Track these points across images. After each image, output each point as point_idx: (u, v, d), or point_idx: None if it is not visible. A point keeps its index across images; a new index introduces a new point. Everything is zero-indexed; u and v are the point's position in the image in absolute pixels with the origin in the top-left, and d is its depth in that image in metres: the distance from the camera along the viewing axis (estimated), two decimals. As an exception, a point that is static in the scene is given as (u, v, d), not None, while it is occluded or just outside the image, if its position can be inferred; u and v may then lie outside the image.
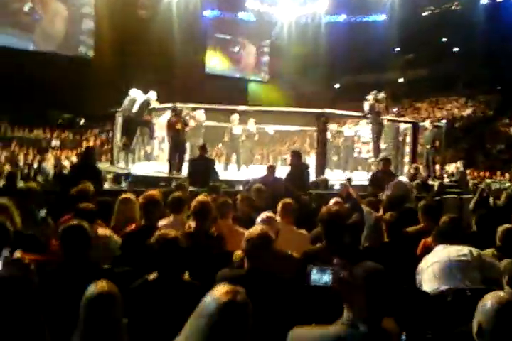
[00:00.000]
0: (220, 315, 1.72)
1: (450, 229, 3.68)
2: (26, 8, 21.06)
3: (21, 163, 11.55)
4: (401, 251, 3.97)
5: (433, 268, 3.34)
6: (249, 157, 13.00)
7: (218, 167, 9.77)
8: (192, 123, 11.37)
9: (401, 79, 28.27)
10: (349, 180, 8.02)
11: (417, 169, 10.46)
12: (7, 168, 9.83)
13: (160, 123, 11.54)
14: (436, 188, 8.85)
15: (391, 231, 4.29)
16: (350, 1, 21.64)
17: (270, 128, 12.60)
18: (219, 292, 1.79)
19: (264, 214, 3.87)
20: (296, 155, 8.39)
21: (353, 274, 2.07)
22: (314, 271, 2.38)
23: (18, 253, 2.59)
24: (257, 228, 2.90)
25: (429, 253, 3.56)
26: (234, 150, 12.26)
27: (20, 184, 5.74)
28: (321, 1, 21.97)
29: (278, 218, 4.09)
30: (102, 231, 3.79)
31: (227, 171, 11.49)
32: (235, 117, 12.01)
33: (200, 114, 11.88)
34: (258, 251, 2.74)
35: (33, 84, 19.10)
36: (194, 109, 11.75)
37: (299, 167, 8.15)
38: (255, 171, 11.37)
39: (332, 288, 2.32)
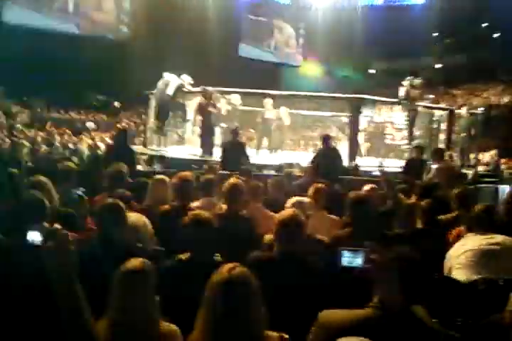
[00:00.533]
0: (220, 291, 1.90)
1: (483, 218, 3.62)
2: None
3: (57, 144, 11.78)
4: (434, 239, 3.93)
5: (465, 256, 3.30)
6: (280, 142, 12.97)
7: (249, 151, 9.80)
8: (228, 106, 11.43)
9: (438, 65, 27.63)
10: (380, 166, 7.93)
11: (451, 157, 10.28)
12: (44, 148, 10.04)
13: (192, 106, 11.61)
14: (470, 177, 8.69)
15: (425, 219, 4.24)
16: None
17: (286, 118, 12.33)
18: (221, 269, 1.97)
19: (294, 199, 3.89)
20: (327, 140, 8.04)
21: (385, 256, 2.07)
22: (346, 254, 2.41)
23: (57, 225, 2.66)
24: (288, 211, 2.91)
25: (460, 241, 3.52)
26: (266, 134, 12.24)
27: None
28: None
29: (309, 202, 4.10)
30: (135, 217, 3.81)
31: (258, 155, 11.50)
32: (268, 101, 11.97)
33: (235, 98, 11.89)
34: (288, 234, 2.75)
35: (67, 65, 19.36)
36: (226, 92, 11.77)
37: (330, 152, 7.93)
38: (286, 156, 11.39)
39: (363, 270, 2.34)
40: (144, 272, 2.17)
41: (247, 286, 1.93)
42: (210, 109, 9.80)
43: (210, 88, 10.29)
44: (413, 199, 4.85)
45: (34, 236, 2.54)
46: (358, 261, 2.38)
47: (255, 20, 26.93)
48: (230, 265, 2.01)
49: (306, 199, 3.99)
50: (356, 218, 3.59)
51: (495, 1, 21.18)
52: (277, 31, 28.13)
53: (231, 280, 1.92)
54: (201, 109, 9.93)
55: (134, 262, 2.21)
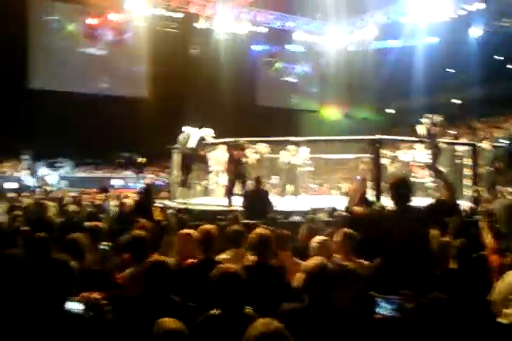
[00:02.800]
0: None
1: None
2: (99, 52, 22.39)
3: (85, 203, 11.96)
4: (471, 278, 3.82)
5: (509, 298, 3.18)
6: (305, 187, 12.98)
7: (275, 198, 9.80)
8: (255, 156, 11.61)
9: (455, 101, 27.69)
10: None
11: (478, 192, 10.10)
12: (72, 207, 10.16)
13: (214, 158, 11.76)
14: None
15: (459, 258, 4.12)
16: (398, 26, 21.59)
17: (299, 159, 12.42)
18: (255, 324, 1.93)
19: (316, 239, 3.87)
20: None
21: (419, 306, 2.02)
22: (381, 302, 2.36)
23: (95, 294, 2.68)
24: (314, 260, 2.88)
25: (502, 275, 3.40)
26: (291, 180, 12.27)
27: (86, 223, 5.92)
28: (368, 28, 22.03)
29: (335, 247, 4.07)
30: None
31: (283, 202, 11.48)
32: (292, 148, 12.10)
33: (262, 147, 12.05)
34: (316, 284, 2.71)
35: (92, 125, 19.96)
36: (251, 142, 11.94)
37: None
38: (310, 201, 11.35)
39: (397, 318, 2.28)
40: (179, 332, 2.17)
41: None
42: (243, 159, 9.99)
43: (241, 139, 10.48)
44: (447, 238, 4.75)
45: (74, 306, 2.56)
46: (392, 309, 2.33)
47: (270, 68, 27.62)
48: (264, 320, 1.98)
49: (328, 240, 3.97)
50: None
51: (505, 34, 21.35)
52: (293, 77, 28.73)
53: (266, 337, 1.88)
54: (235, 160, 10.08)
55: (170, 323, 2.21)
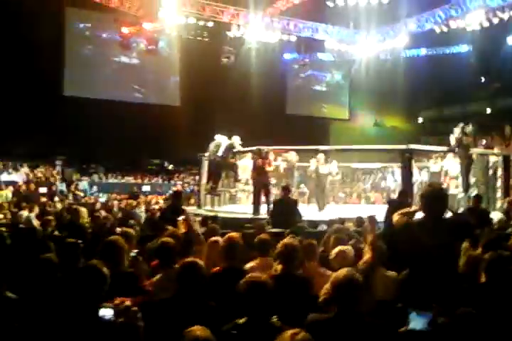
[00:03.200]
0: None
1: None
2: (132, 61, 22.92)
3: (115, 209, 12.18)
4: (501, 293, 3.76)
5: None
6: (334, 196, 12.94)
7: (303, 207, 9.79)
8: (284, 165, 11.66)
9: (488, 110, 27.23)
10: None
11: (510, 203, 9.91)
12: (102, 213, 10.36)
13: (242, 166, 11.83)
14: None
15: (490, 271, 4.06)
16: (430, 34, 21.37)
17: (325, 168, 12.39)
18: (283, 334, 1.99)
19: (336, 250, 3.88)
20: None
21: (451, 320, 2.02)
22: (413, 315, 2.36)
23: (127, 302, 2.75)
24: (343, 271, 2.89)
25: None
26: (320, 189, 12.24)
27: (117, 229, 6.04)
28: (400, 37, 21.86)
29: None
30: None
31: (313, 211, 11.50)
32: (321, 156, 12.06)
33: (292, 156, 12.07)
34: (345, 295, 2.72)
35: (124, 132, 20.31)
36: (280, 150, 12.01)
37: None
38: (338, 210, 11.31)
39: (429, 333, 2.28)
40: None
41: None
42: (267, 167, 10.01)
43: (264, 147, 10.51)
44: (479, 250, 4.69)
45: (106, 313, 2.64)
46: (424, 323, 2.32)
47: (301, 77, 27.68)
48: (292, 331, 2.01)
49: (349, 248, 3.98)
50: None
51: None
52: (323, 86, 28.73)
53: None
54: (258, 168, 10.11)
55: (199, 331, 2.27)
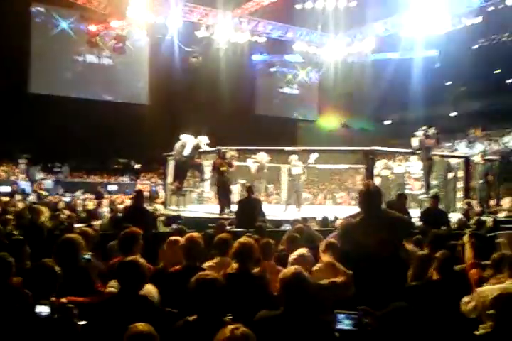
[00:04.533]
0: None
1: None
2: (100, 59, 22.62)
3: (79, 208, 12.03)
4: (452, 290, 3.88)
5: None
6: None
7: (270, 207, 9.82)
8: (255, 165, 11.73)
9: (453, 113, 27.82)
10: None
11: (469, 205, 10.18)
12: (66, 212, 10.22)
13: (210, 166, 11.85)
14: (490, 224, 8.56)
15: (442, 270, 4.18)
16: (397, 38, 21.74)
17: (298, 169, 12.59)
18: (223, 330, 2.06)
19: (296, 253, 3.93)
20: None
21: (377, 320, 2.09)
22: (340, 317, 2.50)
23: (63, 299, 2.75)
24: (290, 269, 2.93)
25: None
26: (294, 190, 12.38)
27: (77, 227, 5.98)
28: (367, 40, 22.16)
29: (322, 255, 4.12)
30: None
31: (286, 211, 11.64)
32: (294, 157, 12.21)
33: (262, 156, 12.13)
34: (292, 292, 2.77)
35: (91, 131, 20.06)
36: (249, 151, 12.10)
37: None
38: (305, 210, 11.42)
39: (355, 333, 2.39)
40: (148, 336, 2.22)
41: None
42: (223, 168, 10.05)
43: (224, 147, 10.56)
44: (426, 249, 4.82)
45: (42, 310, 2.66)
46: (351, 323, 2.48)
47: (269, 78, 27.82)
48: (232, 326, 2.05)
49: (307, 253, 4.04)
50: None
51: (504, 48, 21.52)
52: (291, 87, 28.93)
53: None
54: (215, 168, 10.20)
55: (141, 326, 2.28)
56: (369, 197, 3.74)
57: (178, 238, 4.74)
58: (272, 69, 27.38)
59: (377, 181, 12.64)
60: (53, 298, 2.64)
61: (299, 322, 2.69)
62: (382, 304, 2.80)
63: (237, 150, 10.86)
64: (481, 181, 11.54)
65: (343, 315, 2.57)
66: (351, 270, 3.57)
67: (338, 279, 3.60)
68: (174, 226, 8.18)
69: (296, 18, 21.59)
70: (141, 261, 3.19)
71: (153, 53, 22.66)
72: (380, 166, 13.28)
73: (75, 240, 4.01)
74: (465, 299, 3.49)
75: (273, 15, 21.09)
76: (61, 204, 11.76)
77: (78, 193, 17.14)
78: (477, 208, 10.76)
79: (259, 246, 4.33)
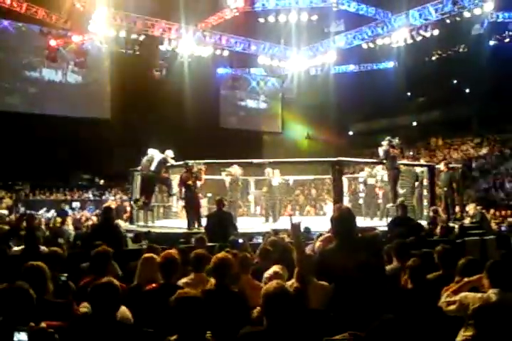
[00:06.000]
0: None
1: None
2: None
3: (42, 226, 11.69)
4: (424, 299, 3.89)
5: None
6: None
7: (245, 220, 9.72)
8: (227, 178, 11.72)
9: (414, 123, 28.46)
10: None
11: (436, 212, 10.36)
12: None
13: (176, 180, 11.73)
14: (457, 230, 8.73)
15: (415, 278, 4.20)
16: (357, 50, 22.17)
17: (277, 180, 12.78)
18: None
19: (270, 270, 3.91)
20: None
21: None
22: None
23: (42, 324, 2.63)
24: (273, 284, 2.89)
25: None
26: (273, 202, 12.50)
27: (43, 248, 5.79)
28: (329, 53, 22.52)
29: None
30: None
31: (267, 223, 11.75)
32: (269, 170, 12.30)
33: (235, 169, 12.11)
34: (275, 307, 2.73)
35: (52, 147, 19.65)
36: (219, 164, 12.10)
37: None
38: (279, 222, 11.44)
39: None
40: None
41: None
42: (191, 182, 9.97)
43: (191, 161, 10.48)
44: (394, 261, 4.87)
45: (21, 337, 2.52)
46: None
47: (234, 91, 27.92)
48: None
49: (281, 270, 4.02)
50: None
51: (461, 59, 22.16)
52: (256, 100, 29.11)
53: None
54: (182, 182, 10.12)
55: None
56: (341, 222, 3.75)
57: (153, 255, 4.64)
58: (236, 83, 27.47)
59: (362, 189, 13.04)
60: (32, 324, 2.52)
61: (284, 337, 2.64)
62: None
63: (204, 163, 10.78)
64: (445, 188, 11.77)
65: None
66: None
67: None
68: (144, 242, 8.04)
69: (259, 31, 21.75)
70: (115, 282, 3.06)
71: (116, 67, 22.41)
72: (364, 175, 13.51)
73: (41, 267, 3.78)
74: (446, 298, 3.50)
75: (236, 29, 21.20)
76: (24, 224, 11.39)
77: (41, 211, 16.68)
78: (443, 215, 10.97)
79: (238, 260, 4.28)
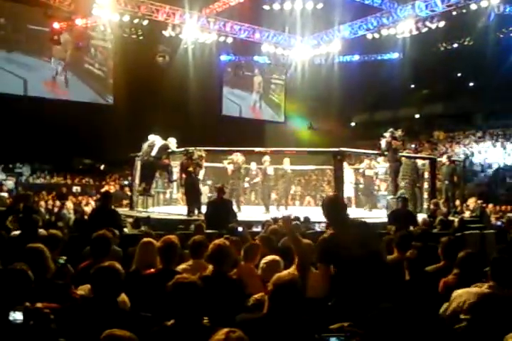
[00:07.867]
0: None
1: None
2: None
3: (42, 210, 11.71)
4: (423, 290, 3.90)
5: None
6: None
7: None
8: (231, 166, 11.71)
9: (417, 115, 28.36)
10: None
11: (436, 205, 10.35)
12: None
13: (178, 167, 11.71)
14: (456, 224, 8.73)
15: (412, 270, 4.21)
16: (362, 40, 21.97)
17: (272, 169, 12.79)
18: (217, 334, 1.97)
19: (268, 258, 3.91)
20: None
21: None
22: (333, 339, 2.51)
23: (38, 304, 2.63)
24: (285, 273, 2.91)
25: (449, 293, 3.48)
26: (269, 190, 12.53)
27: (42, 231, 5.80)
28: (334, 42, 22.33)
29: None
30: None
31: (268, 212, 11.74)
32: (267, 158, 12.28)
33: (238, 157, 12.09)
34: (284, 297, 2.73)
35: (54, 131, 19.60)
36: (224, 152, 12.08)
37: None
38: (275, 211, 11.43)
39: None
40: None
41: None
42: (191, 168, 9.95)
43: (192, 148, 10.45)
44: (395, 252, 4.87)
45: (16, 316, 2.53)
46: None
47: (237, 79, 27.77)
48: (227, 329, 2.00)
49: (277, 258, 4.03)
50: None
51: (465, 52, 22.00)
52: (259, 88, 28.96)
53: None
54: (183, 169, 10.10)
55: (119, 332, 2.20)
56: (330, 208, 3.75)
57: (151, 240, 4.64)
58: (240, 70, 27.32)
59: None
60: (28, 304, 2.53)
61: (282, 325, 2.65)
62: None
63: (205, 150, 10.75)
64: (446, 182, 11.75)
65: (333, 338, 2.56)
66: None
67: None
68: (143, 228, 8.06)
69: (263, 19, 21.56)
70: (118, 266, 3.07)
71: (119, 52, 22.29)
72: (363, 166, 13.50)
73: (41, 249, 3.81)
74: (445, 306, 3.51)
75: (241, 16, 21.02)
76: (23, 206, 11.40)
77: (41, 195, 16.67)
78: (444, 208, 10.96)
79: (236, 247, 4.28)
